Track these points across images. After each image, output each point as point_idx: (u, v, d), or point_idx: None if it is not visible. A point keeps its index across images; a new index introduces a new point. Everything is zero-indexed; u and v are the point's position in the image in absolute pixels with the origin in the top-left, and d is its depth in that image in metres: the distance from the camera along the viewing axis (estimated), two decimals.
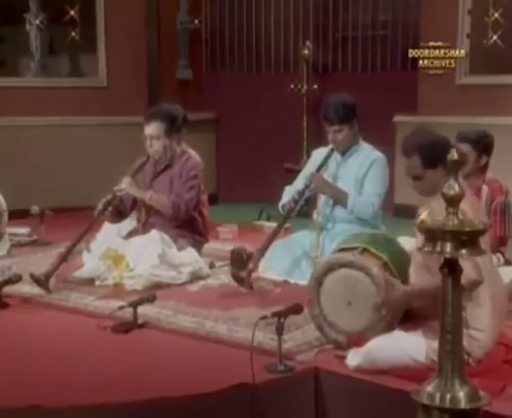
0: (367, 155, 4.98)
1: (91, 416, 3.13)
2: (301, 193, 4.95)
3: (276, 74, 8.41)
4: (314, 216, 5.04)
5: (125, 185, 5.05)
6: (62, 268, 5.08)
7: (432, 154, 3.39)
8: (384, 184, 4.99)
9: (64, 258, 4.79)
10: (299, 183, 5.12)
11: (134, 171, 5.18)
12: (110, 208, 5.05)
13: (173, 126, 5.12)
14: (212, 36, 8.51)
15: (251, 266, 4.65)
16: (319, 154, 5.14)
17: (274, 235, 4.89)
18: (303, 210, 5.31)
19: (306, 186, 4.94)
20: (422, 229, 2.43)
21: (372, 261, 3.55)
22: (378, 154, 5.01)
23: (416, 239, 3.44)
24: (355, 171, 4.96)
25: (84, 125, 7.60)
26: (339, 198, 4.95)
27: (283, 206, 5.05)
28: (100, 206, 5.00)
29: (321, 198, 5.05)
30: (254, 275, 4.87)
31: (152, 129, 5.09)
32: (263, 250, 4.77)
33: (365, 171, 4.94)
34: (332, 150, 5.00)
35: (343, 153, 5.03)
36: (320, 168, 4.99)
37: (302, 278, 4.59)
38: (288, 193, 5.09)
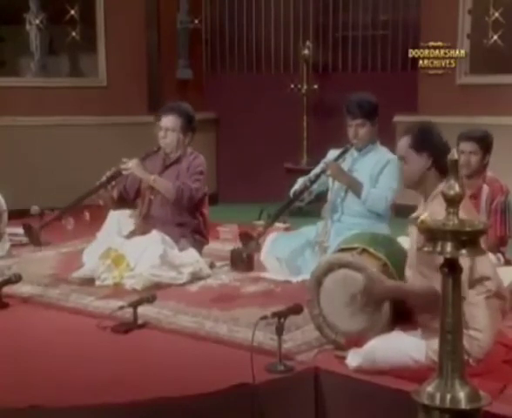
0: (382, 155, 5.02)
1: (91, 416, 3.13)
2: (317, 176, 5.03)
3: (276, 74, 8.41)
4: (326, 206, 5.09)
5: (132, 165, 5.10)
6: (62, 268, 5.09)
7: (421, 138, 3.44)
8: (398, 181, 4.99)
9: (59, 216, 4.79)
10: (312, 173, 5.15)
11: (143, 156, 5.25)
12: (113, 183, 5.11)
13: (190, 125, 5.21)
14: (212, 36, 8.51)
15: (260, 229, 4.85)
16: (334, 153, 5.16)
17: (287, 207, 5.05)
18: (305, 209, 5.33)
19: (323, 171, 5.00)
20: (423, 229, 2.42)
21: (371, 262, 3.55)
22: (394, 156, 5.04)
23: (410, 238, 3.46)
24: (370, 168, 4.99)
25: (84, 125, 7.60)
26: (353, 188, 4.97)
27: (295, 192, 5.08)
28: (104, 178, 5.04)
29: (333, 189, 5.07)
30: (254, 275, 4.89)
31: (170, 121, 5.16)
32: (274, 218, 4.99)
33: (380, 170, 4.96)
34: (351, 145, 5.03)
35: (360, 150, 5.06)
36: (337, 159, 5.04)
37: (305, 266, 4.64)
38: (300, 182, 5.14)
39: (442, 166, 3.30)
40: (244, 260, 5.04)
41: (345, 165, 5.05)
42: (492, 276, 3.30)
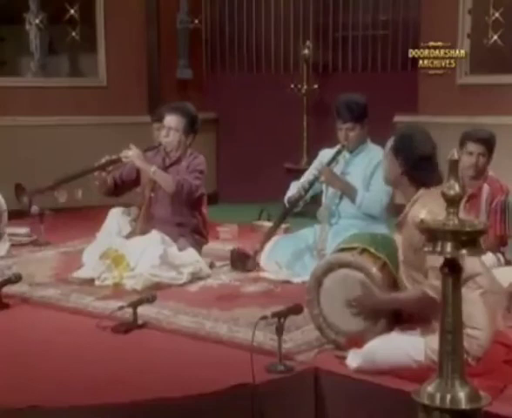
0: (374, 154, 5.01)
1: (91, 416, 3.13)
2: (311, 183, 5.02)
3: (276, 74, 8.40)
4: (321, 209, 5.06)
5: (132, 154, 5.09)
6: (62, 268, 5.10)
7: (398, 145, 3.49)
8: None
9: (52, 187, 4.82)
10: (305, 178, 5.15)
11: (145, 149, 5.26)
12: (110, 168, 5.12)
13: (192, 127, 5.21)
14: (212, 35, 8.50)
15: (257, 247, 4.81)
16: (326, 154, 5.17)
17: (282, 220, 5.04)
18: (306, 209, 5.33)
19: (316, 178, 4.99)
20: (422, 229, 2.43)
21: (371, 261, 3.55)
22: None
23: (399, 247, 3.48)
24: (363, 169, 4.99)
25: (83, 125, 7.59)
26: (348, 193, 4.98)
27: (289, 199, 5.08)
28: (103, 160, 5.06)
29: (328, 194, 5.06)
30: (254, 275, 4.89)
31: (173, 120, 5.16)
32: (270, 233, 4.93)
33: (372, 170, 4.96)
34: (343, 146, 5.03)
35: (351, 151, 5.06)
36: (330, 163, 5.03)
37: (304, 271, 4.62)
38: (294, 187, 5.14)
39: (414, 176, 3.36)
40: (250, 257, 5.00)
41: (338, 168, 5.05)
42: (482, 272, 3.31)
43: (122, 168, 5.28)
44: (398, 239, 3.45)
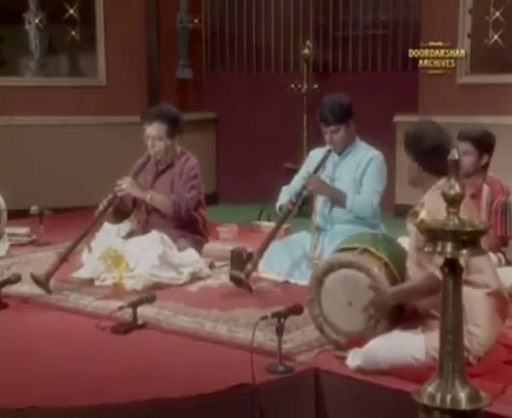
0: (363, 154, 4.98)
1: (91, 417, 3.12)
2: (298, 195, 4.95)
3: (276, 74, 8.40)
4: (312, 218, 5.04)
5: (126, 186, 5.05)
6: (62, 268, 5.08)
7: (408, 142, 3.52)
8: (382, 181, 4.99)
9: (64, 258, 4.77)
10: (295, 183, 5.12)
11: (135, 171, 5.19)
12: (110, 209, 5.05)
13: (175, 127, 5.15)
14: (212, 35, 8.51)
15: (249, 267, 4.65)
16: (316, 154, 5.14)
17: (272, 236, 4.88)
18: (302, 209, 5.30)
19: (304, 188, 4.94)
20: (422, 229, 2.42)
21: (372, 262, 3.54)
22: (374, 152, 5.01)
23: (409, 230, 3.45)
24: (353, 171, 4.96)
25: (83, 125, 7.59)
26: (337, 198, 4.94)
27: (280, 208, 5.04)
28: (101, 207, 5.00)
29: (319, 200, 5.03)
30: (254, 275, 4.87)
31: (154, 129, 5.11)
32: (261, 251, 4.78)
33: (362, 171, 4.94)
34: (329, 151, 5.00)
35: (340, 153, 5.03)
36: (317, 169, 4.98)
37: (303, 279, 4.59)
38: (285, 194, 5.09)
39: (429, 165, 3.35)
40: (243, 281, 4.71)
41: (326, 172, 5.00)
42: (489, 272, 3.30)
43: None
44: (411, 227, 3.41)
